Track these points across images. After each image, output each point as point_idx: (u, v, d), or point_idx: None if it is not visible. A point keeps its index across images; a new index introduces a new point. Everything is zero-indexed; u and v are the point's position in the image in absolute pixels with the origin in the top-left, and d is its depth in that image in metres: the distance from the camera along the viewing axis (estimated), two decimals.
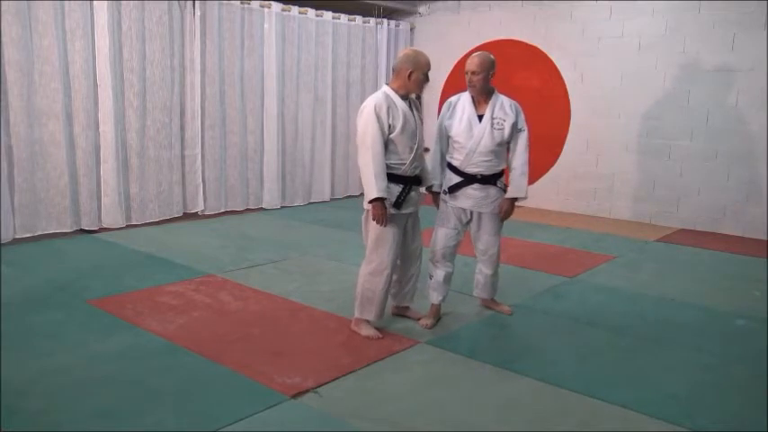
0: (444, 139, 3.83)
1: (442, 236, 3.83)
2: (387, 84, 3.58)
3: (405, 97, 3.52)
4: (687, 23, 6.67)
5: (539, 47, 7.74)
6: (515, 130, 3.73)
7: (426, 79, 3.53)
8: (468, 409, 2.83)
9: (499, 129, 3.69)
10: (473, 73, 3.65)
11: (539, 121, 7.49)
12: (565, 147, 7.71)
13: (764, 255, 5.76)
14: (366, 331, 3.61)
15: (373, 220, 3.45)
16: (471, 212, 3.81)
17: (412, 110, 3.54)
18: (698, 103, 6.70)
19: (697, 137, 6.75)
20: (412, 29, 8.99)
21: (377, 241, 3.52)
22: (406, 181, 3.52)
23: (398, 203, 3.50)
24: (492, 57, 3.74)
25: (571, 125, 7.63)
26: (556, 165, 7.79)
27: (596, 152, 7.47)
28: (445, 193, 3.82)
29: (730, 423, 2.78)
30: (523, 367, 3.25)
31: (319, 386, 2.97)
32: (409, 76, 3.47)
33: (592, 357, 3.44)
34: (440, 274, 3.84)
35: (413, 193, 3.58)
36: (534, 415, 2.80)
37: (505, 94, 3.82)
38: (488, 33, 8.15)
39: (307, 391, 2.92)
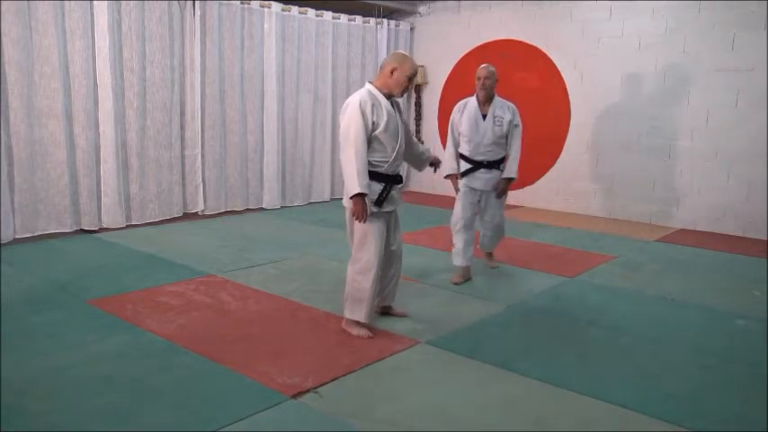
0: (456, 133, 4.75)
1: (460, 208, 4.70)
2: (369, 82, 3.57)
3: (388, 97, 3.52)
4: (687, 23, 6.67)
5: (539, 47, 7.75)
6: (512, 125, 4.68)
7: (408, 82, 3.49)
8: (468, 409, 2.82)
9: (499, 125, 4.64)
10: (486, 78, 4.57)
11: (539, 121, 7.52)
12: (565, 147, 7.71)
13: (764, 255, 5.76)
14: (357, 331, 3.61)
15: (353, 216, 3.46)
16: (481, 192, 4.72)
17: (395, 110, 3.55)
18: (698, 103, 6.70)
19: (697, 137, 6.76)
20: (412, 29, 9.00)
21: (362, 239, 3.53)
22: (386, 179, 3.54)
23: (380, 201, 3.51)
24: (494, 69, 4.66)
25: (571, 125, 7.63)
26: (556, 165, 7.80)
27: (596, 152, 7.47)
28: (460, 177, 4.73)
29: (730, 423, 2.78)
30: (523, 367, 3.25)
31: (319, 386, 2.97)
32: (391, 72, 3.46)
33: (592, 357, 3.44)
34: (460, 241, 4.66)
35: (393, 192, 3.59)
36: (534, 415, 2.80)
37: (505, 95, 4.57)
38: (488, 33, 8.16)
39: (307, 391, 2.92)
